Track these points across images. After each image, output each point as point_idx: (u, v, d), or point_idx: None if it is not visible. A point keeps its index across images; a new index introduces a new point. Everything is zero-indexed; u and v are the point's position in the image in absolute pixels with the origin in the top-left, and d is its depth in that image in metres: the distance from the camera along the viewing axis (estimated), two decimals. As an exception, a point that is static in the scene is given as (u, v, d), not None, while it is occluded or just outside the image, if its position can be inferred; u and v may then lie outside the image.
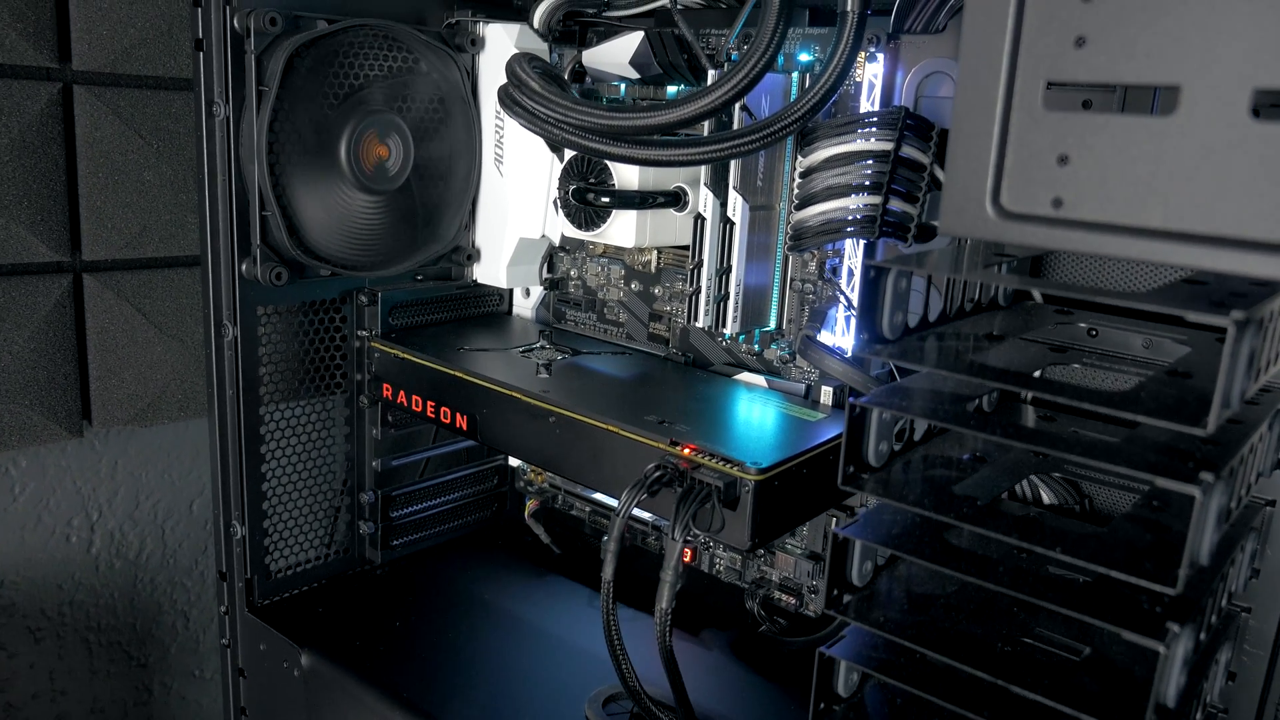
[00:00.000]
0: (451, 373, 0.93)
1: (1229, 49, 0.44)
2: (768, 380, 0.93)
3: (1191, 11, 0.45)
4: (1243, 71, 0.44)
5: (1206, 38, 0.44)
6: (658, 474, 0.74)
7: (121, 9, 1.07)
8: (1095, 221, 0.48)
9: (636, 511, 0.75)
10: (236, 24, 0.86)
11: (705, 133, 0.81)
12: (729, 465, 0.74)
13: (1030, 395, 0.79)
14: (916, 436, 0.68)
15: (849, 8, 0.72)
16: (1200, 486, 0.48)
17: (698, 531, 0.74)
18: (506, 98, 0.81)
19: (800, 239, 0.79)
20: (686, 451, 0.76)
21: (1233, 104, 0.44)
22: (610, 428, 0.81)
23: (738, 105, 0.80)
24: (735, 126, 0.83)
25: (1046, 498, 0.80)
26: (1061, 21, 0.48)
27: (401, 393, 0.99)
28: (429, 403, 0.96)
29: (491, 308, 1.14)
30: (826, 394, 0.90)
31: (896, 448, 0.66)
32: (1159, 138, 0.46)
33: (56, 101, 1.05)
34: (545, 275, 1.10)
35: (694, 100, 0.69)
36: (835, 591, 0.64)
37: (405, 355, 0.98)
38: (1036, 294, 0.72)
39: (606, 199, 0.89)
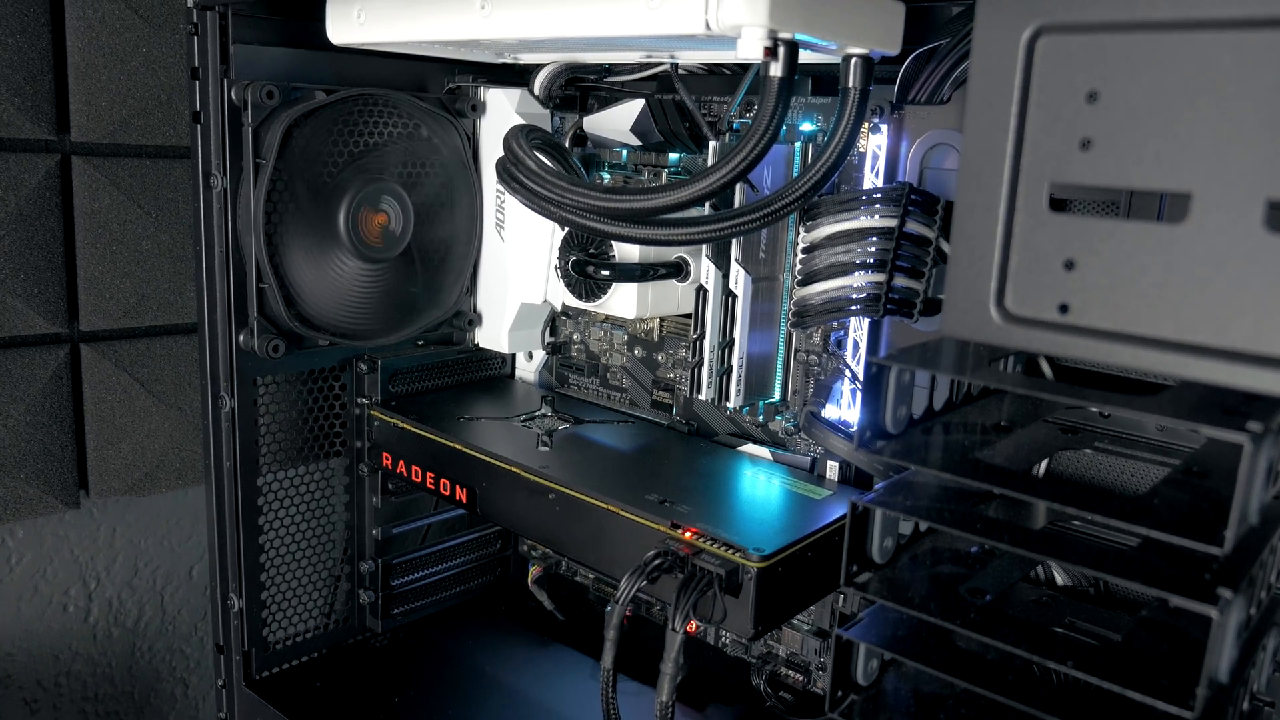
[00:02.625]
0: (451, 444, 0.92)
1: (1242, 158, 0.42)
2: (772, 453, 0.91)
3: (1202, 117, 0.43)
4: (1256, 181, 0.42)
5: (1218, 145, 0.43)
6: (657, 561, 0.72)
7: (120, 81, 1.07)
8: (1103, 329, 0.46)
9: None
10: (234, 96, 0.85)
11: (706, 210, 0.80)
12: (731, 551, 0.72)
13: (1041, 477, 0.77)
14: (924, 527, 0.66)
15: (851, 84, 0.71)
16: (1218, 606, 0.46)
17: (700, 623, 0.72)
18: (504, 173, 0.79)
19: (803, 317, 0.78)
20: (688, 535, 0.74)
21: (1246, 215, 0.42)
22: (611, 508, 0.79)
23: (738, 180, 0.78)
24: (736, 200, 0.82)
25: (1060, 579, 0.78)
26: (1066, 122, 0.47)
27: (401, 462, 0.98)
28: (428, 474, 0.95)
29: (494, 371, 1.13)
30: (832, 469, 0.88)
31: (903, 540, 0.64)
32: (1169, 246, 0.44)
33: (55, 173, 1.05)
34: (548, 340, 1.09)
35: (691, 184, 0.68)
36: (839, 693, 0.62)
37: (405, 425, 0.96)
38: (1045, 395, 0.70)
39: (607, 272, 0.88)
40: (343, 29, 0.84)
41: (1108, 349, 0.46)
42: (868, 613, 0.62)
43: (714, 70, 0.92)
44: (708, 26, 0.62)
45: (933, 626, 0.60)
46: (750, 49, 0.62)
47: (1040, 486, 0.52)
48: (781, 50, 0.64)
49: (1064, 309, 0.48)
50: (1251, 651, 0.59)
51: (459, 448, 0.91)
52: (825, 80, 0.86)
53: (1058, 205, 0.48)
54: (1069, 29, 0.46)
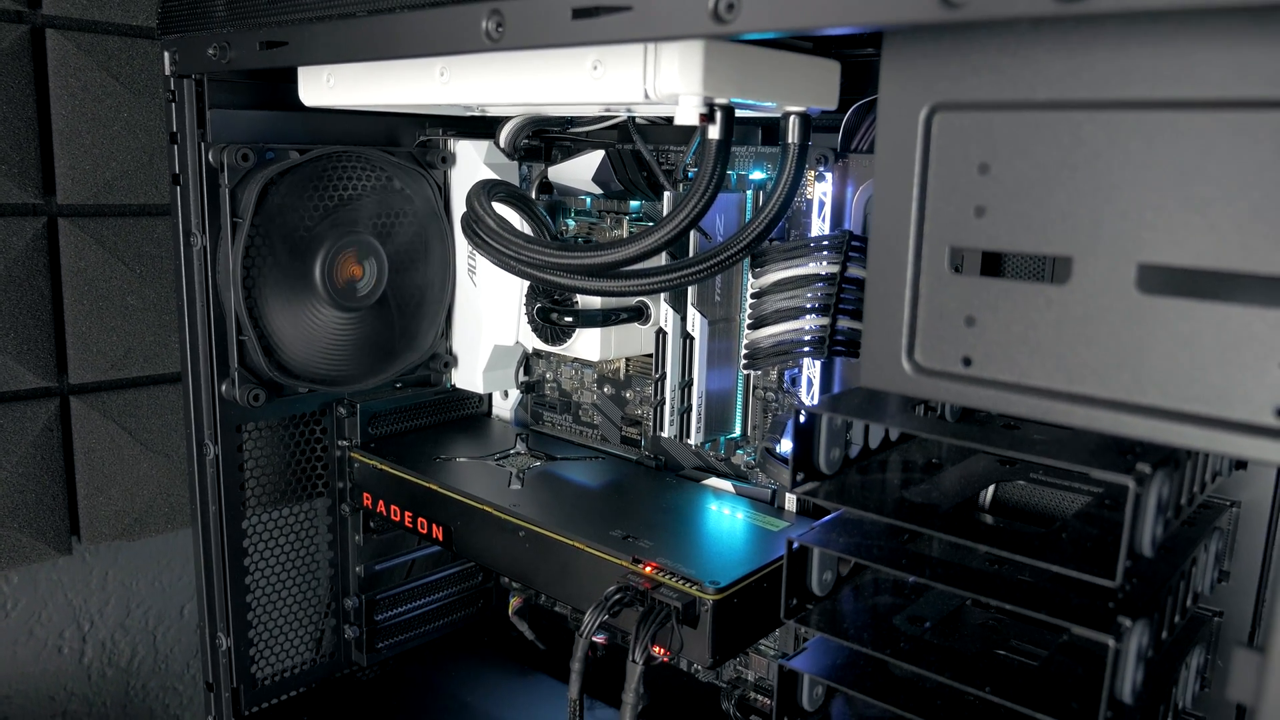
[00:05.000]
0: (427, 485, 0.95)
1: (1114, 225, 0.46)
2: (735, 485, 0.95)
3: (1080, 188, 0.47)
4: (1128, 247, 0.46)
5: (1094, 213, 0.47)
6: (618, 596, 0.76)
7: (103, 145, 1.11)
8: (1002, 381, 0.50)
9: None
10: (211, 159, 0.89)
11: (661, 260, 0.84)
12: (688, 584, 0.75)
13: (988, 505, 0.80)
14: (866, 558, 0.70)
15: (790, 139, 0.75)
16: (1113, 634, 0.50)
17: (656, 656, 0.75)
18: (468, 229, 0.83)
19: (754, 359, 0.81)
20: (648, 570, 0.78)
21: (1119, 277, 0.46)
22: (576, 544, 0.83)
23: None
24: (690, 247, 0.86)
25: (1007, 602, 0.82)
26: (962, 192, 0.51)
27: (381, 502, 1.01)
28: (406, 513, 0.98)
29: (472, 410, 1.17)
30: (791, 500, 0.91)
31: (844, 572, 0.68)
32: (1055, 305, 0.48)
33: (42, 235, 1.08)
34: (522, 379, 1.13)
35: (637, 241, 0.72)
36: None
37: (383, 466, 1.00)
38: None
39: (570, 319, 0.92)
40: (314, 92, 0.88)
41: (1007, 399, 0.50)
42: (811, 642, 0.66)
43: (670, 119, 0.96)
44: (646, 95, 0.66)
45: (870, 655, 0.63)
46: (687, 115, 0.66)
47: (954, 525, 0.56)
48: (718, 115, 0.68)
49: (967, 362, 0.51)
50: (1172, 670, 0.63)
51: (434, 488, 0.95)
52: (774, 130, 0.90)
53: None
54: (960, 107, 0.50)
